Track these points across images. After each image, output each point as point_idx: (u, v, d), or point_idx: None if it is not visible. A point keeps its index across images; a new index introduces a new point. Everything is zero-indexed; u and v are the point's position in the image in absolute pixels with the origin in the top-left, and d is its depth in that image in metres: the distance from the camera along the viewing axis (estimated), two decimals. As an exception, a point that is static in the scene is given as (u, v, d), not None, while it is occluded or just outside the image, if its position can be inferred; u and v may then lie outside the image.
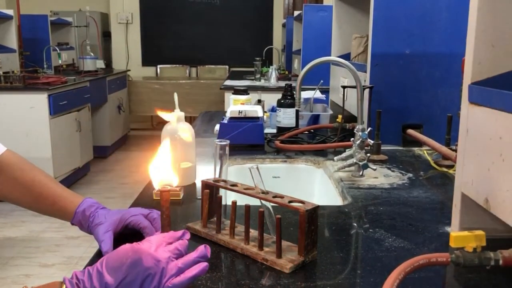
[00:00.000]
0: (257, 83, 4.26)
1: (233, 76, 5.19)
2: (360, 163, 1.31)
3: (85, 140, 4.52)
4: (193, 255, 0.69)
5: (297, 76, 2.79)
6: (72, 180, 4.28)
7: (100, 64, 5.45)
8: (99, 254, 0.85)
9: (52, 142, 3.80)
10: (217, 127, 1.73)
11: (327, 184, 1.43)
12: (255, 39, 6.70)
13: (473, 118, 0.87)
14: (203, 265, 0.68)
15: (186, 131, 1.23)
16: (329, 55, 2.31)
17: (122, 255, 0.65)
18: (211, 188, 0.94)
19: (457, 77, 1.28)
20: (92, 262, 0.83)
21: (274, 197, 0.85)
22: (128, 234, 0.89)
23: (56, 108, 3.88)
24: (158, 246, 0.67)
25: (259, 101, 2.16)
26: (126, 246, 0.66)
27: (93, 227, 0.88)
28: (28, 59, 4.71)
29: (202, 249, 0.70)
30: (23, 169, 0.96)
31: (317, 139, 1.77)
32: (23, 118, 3.77)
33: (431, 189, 1.25)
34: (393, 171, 1.40)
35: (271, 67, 4.31)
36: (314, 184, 1.55)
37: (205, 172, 1.33)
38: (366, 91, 1.65)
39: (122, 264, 0.64)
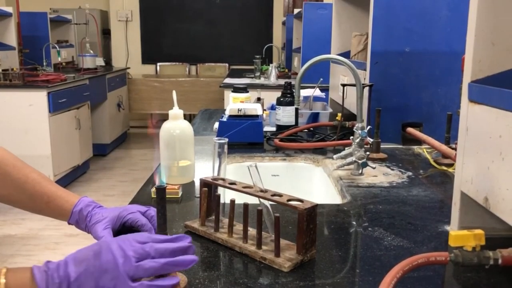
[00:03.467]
0: (256, 81, 4.26)
1: (232, 74, 5.18)
2: (360, 161, 1.31)
3: (85, 138, 4.52)
4: (162, 261, 0.63)
5: (296, 74, 2.78)
6: (71, 178, 4.27)
7: (100, 61, 5.45)
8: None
9: (51, 140, 3.80)
10: (216, 125, 1.72)
11: (326, 182, 1.43)
12: (255, 37, 6.69)
13: (473, 116, 0.86)
14: (166, 282, 0.62)
15: (185, 129, 1.23)
16: (329, 53, 2.30)
17: (90, 247, 0.64)
18: (210, 186, 0.94)
19: (457, 75, 1.28)
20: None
21: (272, 195, 0.85)
22: (126, 232, 0.89)
23: (56, 106, 3.87)
24: (125, 242, 0.63)
25: (259, 99, 2.16)
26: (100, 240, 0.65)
27: (91, 226, 0.88)
28: (27, 56, 4.70)
29: (185, 257, 0.64)
30: (17, 166, 0.93)
31: (316, 137, 1.76)
32: (23, 116, 3.76)
33: (431, 187, 1.24)
34: (392, 169, 1.40)
35: (271, 65, 4.31)
36: (313, 183, 1.55)
37: (204, 170, 1.33)
38: (366, 89, 1.65)
39: (87, 256, 0.63)
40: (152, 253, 0.63)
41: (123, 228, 0.89)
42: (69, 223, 0.92)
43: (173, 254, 0.64)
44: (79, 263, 0.63)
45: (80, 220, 0.90)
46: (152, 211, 0.90)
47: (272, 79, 4.09)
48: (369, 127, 1.43)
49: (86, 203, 0.91)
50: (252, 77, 4.51)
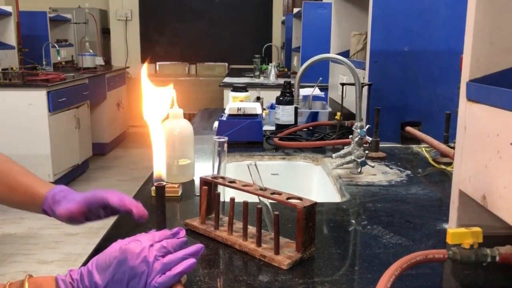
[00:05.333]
0: (256, 80, 4.26)
1: (232, 73, 5.18)
2: (358, 160, 1.31)
3: (84, 137, 4.52)
4: (181, 253, 0.68)
5: (296, 73, 2.78)
6: (71, 177, 4.28)
7: (99, 61, 5.45)
8: (97, 251, 0.85)
9: (51, 139, 3.80)
10: (216, 124, 1.73)
11: (325, 181, 1.44)
12: (255, 37, 6.69)
13: (471, 115, 0.87)
14: (190, 261, 0.67)
15: (185, 128, 1.23)
16: (328, 52, 2.31)
17: (109, 255, 0.66)
18: (210, 185, 0.94)
19: (455, 74, 1.28)
20: (90, 258, 0.84)
21: (272, 193, 0.86)
22: (122, 233, 0.89)
23: (55, 105, 3.87)
24: (145, 245, 0.66)
25: (258, 98, 2.16)
26: (115, 246, 0.67)
27: (57, 205, 0.85)
28: (27, 56, 4.70)
29: (193, 246, 0.69)
30: (0, 159, 0.92)
31: (315, 136, 1.77)
32: (22, 115, 3.76)
33: (429, 186, 1.25)
34: (391, 168, 1.41)
35: (270, 64, 4.31)
36: (313, 181, 1.55)
37: (204, 169, 1.34)
38: (365, 89, 1.65)
39: (110, 264, 0.65)
40: (171, 249, 0.67)
41: (111, 232, 0.88)
42: (43, 210, 0.89)
43: (184, 245, 0.70)
44: (103, 271, 0.65)
45: (52, 204, 0.86)
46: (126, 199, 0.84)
47: (272, 78, 4.10)
48: (368, 126, 1.43)
49: (60, 189, 0.88)
50: (251, 77, 4.52)
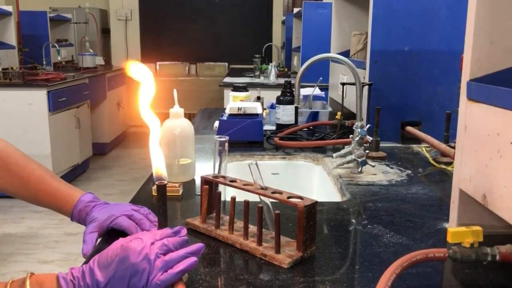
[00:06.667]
0: (256, 80, 4.27)
1: (232, 73, 5.19)
2: (359, 159, 1.31)
3: (84, 137, 4.52)
4: (182, 251, 0.68)
5: (296, 73, 2.76)
6: (71, 177, 4.28)
7: (99, 60, 5.45)
8: (97, 251, 0.85)
9: (51, 139, 3.80)
10: (217, 123, 1.73)
11: (326, 180, 1.44)
12: (255, 36, 6.69)
13: (471, 114, 0.87)
14: (191, 260, 0.68)
15: (185, 128, 1.23)
16: (329, 52, 2.31)
17: (111, 253, 0.66)
18: (210, 184, 0.95)
19: (456, 74, 1.29)
20: (90, 258, 0.84)
21: (273, 193, 0.86)
22: (116, 232, 0.90)
23: (55, 105, 3.87)
24: (147, 243, 0.67)
25: (258, 98, 2.16)
26: (117, 244, 0.67)
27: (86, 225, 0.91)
28: (27, 55, 4.70)
29: (194, 245, 0.70)
30: (20, 163, 0.95)
31: (316, 136, 1.77)
32: (22, 115, 3.76)
33: (430, 185, 1.25)
34: (391, 168, 1.41)
35: (270, 64, 4.32)
36: (313, 181, 1.55)
37: (205, 168, 1.34)
38: (365, 88, 1.65)
39: (112, 261, 0.65)
40: (172, 247, 0.68)
41: (112, 229, 0.90)
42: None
43: (185, 244, 0.70)
44: (104, 268, 0.65)
45: (81, 220, 0.93)
46: (143, 211, 0.91)
47: (272, 78, 4.10)
48: (368, 125, 1.43)
49: (85, 204, 0.93)
50: (251, 76, 4.52)
